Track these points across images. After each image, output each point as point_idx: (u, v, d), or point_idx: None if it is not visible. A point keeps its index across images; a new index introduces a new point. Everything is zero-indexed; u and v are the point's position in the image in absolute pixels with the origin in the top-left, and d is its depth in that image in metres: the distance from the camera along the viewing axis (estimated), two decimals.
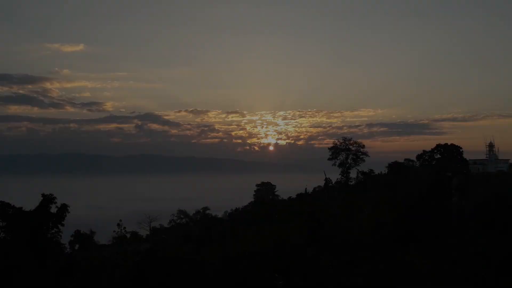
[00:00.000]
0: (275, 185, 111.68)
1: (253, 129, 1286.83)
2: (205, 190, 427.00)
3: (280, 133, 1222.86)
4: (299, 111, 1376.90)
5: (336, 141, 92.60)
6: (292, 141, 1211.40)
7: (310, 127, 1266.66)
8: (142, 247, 66.53)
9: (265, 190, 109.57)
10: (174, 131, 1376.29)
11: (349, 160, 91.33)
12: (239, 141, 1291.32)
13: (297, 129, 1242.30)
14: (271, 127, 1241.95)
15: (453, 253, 33.17)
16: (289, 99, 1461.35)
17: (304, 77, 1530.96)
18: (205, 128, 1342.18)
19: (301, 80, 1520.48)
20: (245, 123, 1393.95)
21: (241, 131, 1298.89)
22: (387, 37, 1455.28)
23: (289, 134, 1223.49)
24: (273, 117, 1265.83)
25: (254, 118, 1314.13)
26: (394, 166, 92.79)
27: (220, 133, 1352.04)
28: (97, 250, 72.52)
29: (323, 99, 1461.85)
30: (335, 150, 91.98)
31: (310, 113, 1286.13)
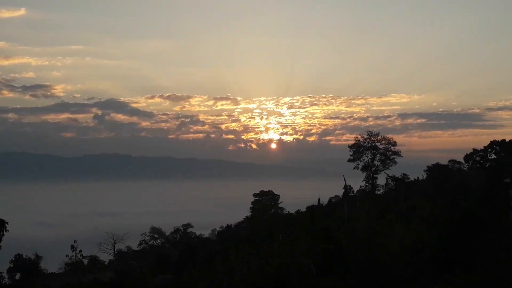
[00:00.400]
0: (278, 195, 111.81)
1: (250, 121, 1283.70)
2: (187, 201, 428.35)
3: (285, 126, 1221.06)
4: (310, 97, 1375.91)
5: (359, 136, 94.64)
6: (301, 137, 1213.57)
7: (325, 118, 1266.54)
8: (103, 276, 66.53)
9: (265, 202, 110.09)
10: (145, 123, 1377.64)
11: (376, 162, 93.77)
12: (231, 136, 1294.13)
13: (307, 121, 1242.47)
14: (274, 118, 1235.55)
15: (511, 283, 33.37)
16: (297, 82, 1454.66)
17: (317, 53, 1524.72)
18: (186, 120, 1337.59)
19: (313, 57, 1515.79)
20: (239, 113, 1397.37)
21: (233, 124, 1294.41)
22: (425, 1, 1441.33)
23: (296, 127, 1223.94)
24: (276, 105, 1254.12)
25: (251, 106, 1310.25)
26: (435, 170, 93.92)
27: (206, 126, 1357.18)
28: (44, 281, 72.49)
29: (341, 81, 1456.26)
30: (357, 149, 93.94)
31: (325, 99, 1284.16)
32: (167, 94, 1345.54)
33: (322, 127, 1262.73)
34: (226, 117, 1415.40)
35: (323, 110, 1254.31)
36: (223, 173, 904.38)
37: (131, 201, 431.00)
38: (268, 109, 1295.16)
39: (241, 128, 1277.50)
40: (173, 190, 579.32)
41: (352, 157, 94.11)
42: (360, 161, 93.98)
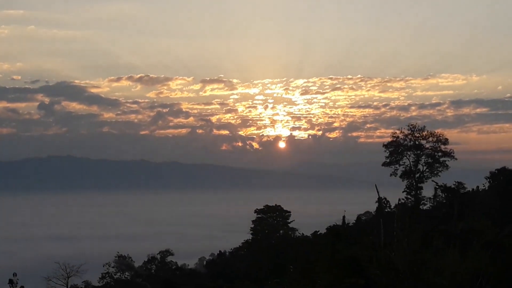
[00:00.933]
0: (289, 212, 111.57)
1: (250, 111, 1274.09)
2: (165, 219, 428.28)
3: (298, 119, 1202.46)
4: (331, 78, 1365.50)
5: (398, 132, 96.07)
6: (319, 133, 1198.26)
7: (351, 108, 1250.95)
8: None
9: (271, 221, 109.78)
10: (109, 115, 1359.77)
11: (420, 167, 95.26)
12: (225, 132, 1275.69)
13: (327, 110, 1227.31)
14: (282, 107, 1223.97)
15: None
16: (314, 59, 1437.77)
17: (341, 21, 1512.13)
18: (164, 110, 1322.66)
19: (335, 26, 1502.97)
20: (236, 101, 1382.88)
21: (228, 115, 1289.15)
22: None
23: (313, 120, 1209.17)
24: (286, 89, 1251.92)
25: (252, 91, 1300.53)
26: (501, 177, 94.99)
27: (191, 119, 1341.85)
28: None
29: (373, 58, 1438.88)
30: (395, 149, 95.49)
31: (351, 82, 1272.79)
32: (138, 75, 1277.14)
33: (348, 119, 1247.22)
34: (217, 106, 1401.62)
35: (348, 96, 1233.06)
36: (214, 181, 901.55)
37: (89, 219, 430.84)
38: (275, 95, 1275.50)
39: (238, 121, 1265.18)
40: (146, 205, 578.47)
41: (388, 160, 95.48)
42: (399, 165, 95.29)
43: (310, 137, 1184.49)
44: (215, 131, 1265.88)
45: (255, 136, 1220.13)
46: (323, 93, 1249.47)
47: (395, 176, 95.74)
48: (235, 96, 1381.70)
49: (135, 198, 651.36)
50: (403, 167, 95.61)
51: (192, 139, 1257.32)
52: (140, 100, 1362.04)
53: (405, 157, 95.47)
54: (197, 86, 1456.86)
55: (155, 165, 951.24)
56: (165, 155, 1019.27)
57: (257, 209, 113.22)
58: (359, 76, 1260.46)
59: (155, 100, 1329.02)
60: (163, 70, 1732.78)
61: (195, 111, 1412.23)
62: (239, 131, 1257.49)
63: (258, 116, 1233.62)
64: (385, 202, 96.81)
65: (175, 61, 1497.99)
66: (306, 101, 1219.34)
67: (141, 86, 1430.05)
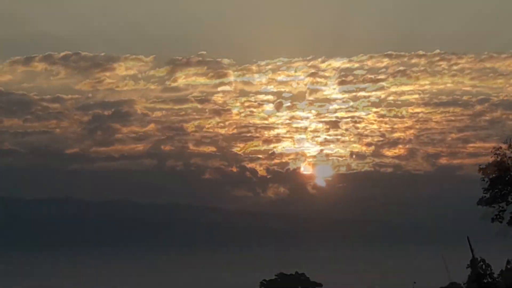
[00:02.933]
0: (320, 285, 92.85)
1: (252, 112, 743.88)
2: None
3: (335, 125, 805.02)
4: (389, 55, 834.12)
5: (504, 146, 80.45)
6: (370, 149, 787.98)
7: (423, 106, 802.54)
8: None
9: None
10: (11, 121, 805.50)
11: None
12: (210, 149, 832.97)
13: (383, 111, 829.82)
14: (306, 105, 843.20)
15: None
16: (358, 25, 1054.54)
17: None
18: (107, 112, 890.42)
19: None
20: (226, 95, 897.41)
21: (214, 121, 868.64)
22: None
23: (359, 127, 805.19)
24: (313, 75, 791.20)
25: (254, 79, 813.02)
26: None
27: (151, 126, 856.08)
28: None
29: (458, 22, 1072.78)
30: (501, 175, 79.98)
31: (423, 60, 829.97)
32: (62, 54, 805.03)
33: (418, 125, 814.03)
34: (196, 104, 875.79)
35: (420, 86, 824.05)
36: (190, 234, 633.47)
37: None
38: (294, 85, 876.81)
39: (231, 130, 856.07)
40: (81, 278, 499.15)
41: (487, 195, 78.93)
42: (508, 204, 78.92)
43: (354, 156, 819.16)
44: (192, 147, 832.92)
45: (260, 156, 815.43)
46: (376, 81, 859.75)
47: (500, 222, 78.55)
48: (227, 88, 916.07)
49: (47, 261, 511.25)
50: None
51: (151, 162, 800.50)
52: (65, 97, 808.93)
53: None
54: (161, 71, 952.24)
55: (88, 205, 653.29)
56: (101, 192, 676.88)
57: (264, 280, 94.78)
58: (437, 51, 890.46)
59: (90, 95, 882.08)
60: (104, 45, 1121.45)
61: (159, 113, 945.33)
62: (234, 146, 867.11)
63: (266, 122, 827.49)
64: (483, 264, 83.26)
65: (124, 31, 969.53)
66: (347, 94, 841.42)
67: (66, 72, 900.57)
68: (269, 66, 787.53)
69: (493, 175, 79.26)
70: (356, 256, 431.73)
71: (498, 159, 79.40)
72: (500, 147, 79.90)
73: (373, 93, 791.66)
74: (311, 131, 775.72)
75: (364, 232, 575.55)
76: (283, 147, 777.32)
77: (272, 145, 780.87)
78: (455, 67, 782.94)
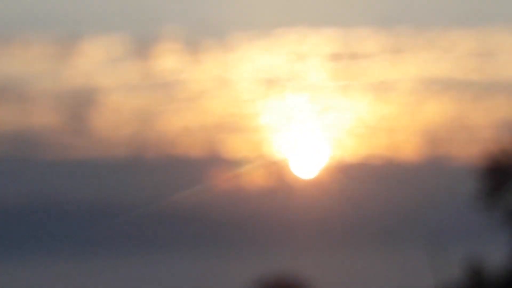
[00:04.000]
0: (310, 285, 76.05)
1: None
2: None
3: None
4: (375, 30, 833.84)
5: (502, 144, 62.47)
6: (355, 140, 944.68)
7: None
8: None
9: None
10: None
11: None
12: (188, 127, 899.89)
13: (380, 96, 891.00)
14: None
15: None
16: None
17: None
18: None
19: None
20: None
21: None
22: None
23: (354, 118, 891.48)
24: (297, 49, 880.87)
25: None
26: None
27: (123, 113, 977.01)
28: None
29: None
30: (498, 177, 61.57)
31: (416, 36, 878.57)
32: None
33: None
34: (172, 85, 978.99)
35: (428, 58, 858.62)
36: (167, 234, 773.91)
37: None
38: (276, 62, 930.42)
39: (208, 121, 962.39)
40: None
41: (487, 196, 61.37)
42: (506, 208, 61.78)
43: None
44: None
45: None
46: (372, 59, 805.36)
47: (496, 217, 62.85)
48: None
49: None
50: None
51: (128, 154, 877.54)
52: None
53: None
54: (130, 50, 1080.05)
55: None
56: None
57: (253, 281, 78.03)
58: (433, 26, 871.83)
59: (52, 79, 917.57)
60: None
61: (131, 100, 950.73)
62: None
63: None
64: (481, 271, 64.61)
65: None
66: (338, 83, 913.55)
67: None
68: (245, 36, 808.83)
69: (490, 177, 75.12)
70: (342, 258, 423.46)
71: (493, 159, 75.59)
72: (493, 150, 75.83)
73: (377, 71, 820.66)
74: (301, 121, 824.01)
75: (350, 231, 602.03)
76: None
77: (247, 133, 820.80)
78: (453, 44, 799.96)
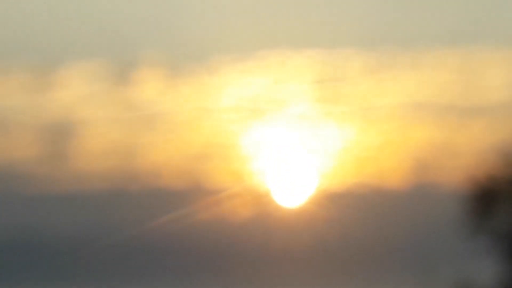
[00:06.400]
0: None
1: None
2: None
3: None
4: (360, 49, 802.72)
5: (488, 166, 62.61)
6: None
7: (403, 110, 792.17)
8: None
9: None
10: None
11: None
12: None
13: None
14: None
15: None
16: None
17: None
18: None
19: None
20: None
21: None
22: None
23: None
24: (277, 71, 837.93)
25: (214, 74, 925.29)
26: None
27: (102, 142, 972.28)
28: None
29: None
30: (484, 199, 61.64)
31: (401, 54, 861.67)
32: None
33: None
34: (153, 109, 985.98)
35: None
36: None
37: None
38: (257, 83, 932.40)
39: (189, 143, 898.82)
40: None
41: (473, 216, 61.09)
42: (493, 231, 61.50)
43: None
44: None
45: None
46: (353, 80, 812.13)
47: (483, 240, 62.29)
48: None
49: None
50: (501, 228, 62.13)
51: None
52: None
53: (500, 210, 62.26)
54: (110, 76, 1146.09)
55: None
56: None
57: None
58: (418, 45, 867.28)
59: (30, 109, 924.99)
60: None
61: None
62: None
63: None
64: None
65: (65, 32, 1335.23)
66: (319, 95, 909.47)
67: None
68: (227, 60, 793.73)
69: (477, 201, 74.73)
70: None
71: (479, 181, 75.02)
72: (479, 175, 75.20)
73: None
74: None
75: (338, 260, 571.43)
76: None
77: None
78: (437, 62, 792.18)
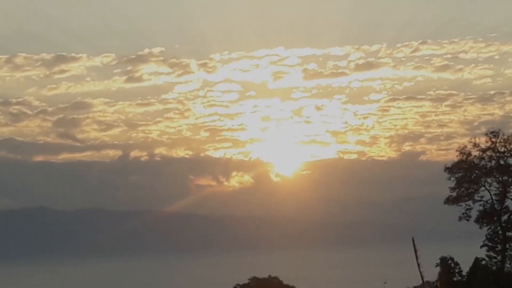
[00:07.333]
0: (293, 287, 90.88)
1: (214, 103, 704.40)
2: None
3: (297, 115, 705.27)
4: (356, 48, 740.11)
5: (470, 144, 77.95)
6: (345, 151, 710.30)
7: (395, 99, 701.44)
8: None
9: None
10: None
11: (510, 202, 77.35)
12: (183, 153, 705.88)
13: (352, 106, 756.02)
14: (264, 106, 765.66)
15: None
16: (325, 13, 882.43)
17: None
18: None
19: None
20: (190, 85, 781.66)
21: (182, 123, 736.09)
22: None
23: (328, 125, 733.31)
24: (276, 75, 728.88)
25: (213, 76, 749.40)
26: None
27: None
28: None
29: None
30: (466, 174, 76.99)
31: (396, 53, 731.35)
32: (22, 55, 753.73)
33: (394, 123, 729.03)
34: (158, 106, 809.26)
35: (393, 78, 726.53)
36: (158, 242, 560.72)
37: None
38: (258, 80, 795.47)
39: (195, 120, 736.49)
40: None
41: (454, 194, 76.06)
42: (474, 202, 76.62)
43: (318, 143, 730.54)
44: (156, 156, 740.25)
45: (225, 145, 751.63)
46: (345, 75, 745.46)
47: (467, 220, 76.31)
48: (189, 78, 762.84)
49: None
50: (480, 205, 76.31)
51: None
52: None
53: (482, 188, 76.19)
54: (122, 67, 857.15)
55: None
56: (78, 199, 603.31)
57: (238, 285, 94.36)
58: (410, 41, 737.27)
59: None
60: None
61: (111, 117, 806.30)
62: (207, 150, 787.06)
63: (229, 111, 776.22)
64: (452, 263, 78.47)
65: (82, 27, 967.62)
66: (313, 89, 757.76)
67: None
68: (231, 57, 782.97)
69: (459, 174, 76.38)
70: (324, 257, 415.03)
71: (464, 158, 76.42)
72: (465, 146, 76.96)
73: (344, 86, 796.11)
74: (275, 120, 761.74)
75: (332, 233, 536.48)
76: (247, 136, 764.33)
77: (245, 148, 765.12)
78: (429, 57, 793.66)
